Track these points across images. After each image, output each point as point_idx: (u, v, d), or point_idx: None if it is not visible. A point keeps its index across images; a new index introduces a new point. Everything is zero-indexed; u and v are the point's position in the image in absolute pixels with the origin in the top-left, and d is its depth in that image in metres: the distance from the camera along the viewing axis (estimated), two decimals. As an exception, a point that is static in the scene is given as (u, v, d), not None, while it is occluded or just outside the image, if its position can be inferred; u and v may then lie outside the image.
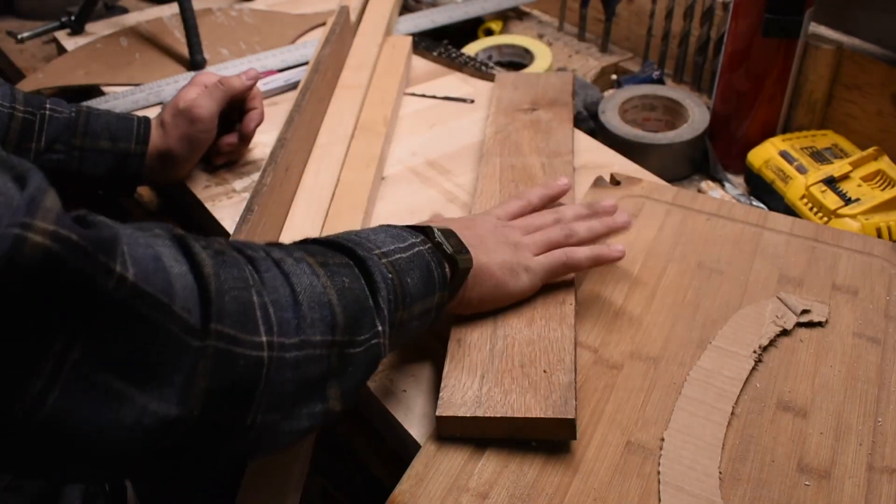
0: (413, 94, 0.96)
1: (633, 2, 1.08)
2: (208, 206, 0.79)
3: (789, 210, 0.79)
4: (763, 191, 0.83)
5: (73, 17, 1.12)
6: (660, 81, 1.00)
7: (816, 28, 0.90)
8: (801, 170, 0.80)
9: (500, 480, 0.51)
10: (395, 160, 0.85)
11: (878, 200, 0.74)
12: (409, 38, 1.02)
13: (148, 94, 0.95)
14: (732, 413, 0.54)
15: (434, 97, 0.96)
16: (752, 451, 0.52)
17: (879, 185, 0.76)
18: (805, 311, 0.62)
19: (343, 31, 0.94)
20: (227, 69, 1.00)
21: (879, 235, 0.72)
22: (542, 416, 0.52)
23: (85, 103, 0.78)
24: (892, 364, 0.58)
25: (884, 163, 0.79)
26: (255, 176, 0.83)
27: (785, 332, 0.61)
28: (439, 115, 0.92)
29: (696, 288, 0.64)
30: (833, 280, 0.65)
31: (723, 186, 0.86)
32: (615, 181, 0.74)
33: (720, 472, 0.51)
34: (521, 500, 0.50)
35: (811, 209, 0.76)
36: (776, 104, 0.87)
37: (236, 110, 0.83)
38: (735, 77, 0.86)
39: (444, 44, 1.06)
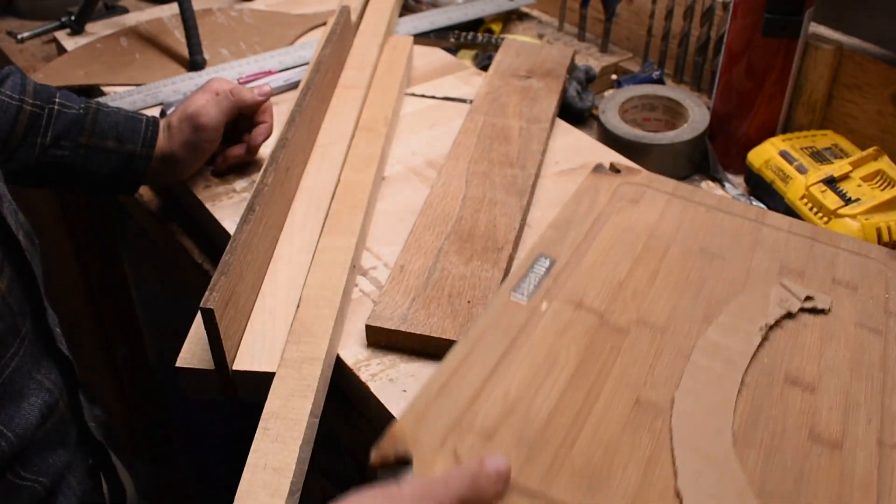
0: (413, 95, 0.96)
1: (633, 2, 1.08)
2: (208, 206, 0.79)
3: (789, 210, 0.79)
4: (763, 191, 0.83)
5: (73, 17, 1.12)
6: (660, 81, 1.00)
7: (816, 28, 0.90)
8: (801, 170, 0.80)
9: (507, 423, 0.49)
10: (395, 160, 0.85)
11: (878, 200, 0.74)
12: (410, 39, 1.02)
13: (147, 94, 0.95)
14: (742, 382, 0.54)
15: (434, 97, 0.96)
16: (763, 419, 0.52)
17: (879, 185, 0.76)
18: (809, 298, 0.62)
19: (344, 32, 0.94)
20: (227, 69, 1.00)
21: (879, 235, 0.72)
22: (454, 339, 0.59)
23: (95, 100, 0.77)
24: (895, 353, 0.59)
25: (884, 163, 0.79)
26: (256, 176, 0.83)
27: (790, 316, 0.61)
28: (439, 115, 0.93)
29: (699, 269, 0.64)
30: (833, 275, 0.65)
31: (723, 186, 0.86)
32: (615, 169, 0.74)
33: (733, 434, 0.50)
34: (527, 445, 0.48)
35: (811, 209, 0.76)
36: (776, 104, 0.87)
37: (245, 120, 0.82)
38: (735, 77, 0.87)
39: (454, 32, 1.10)
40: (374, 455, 0.47)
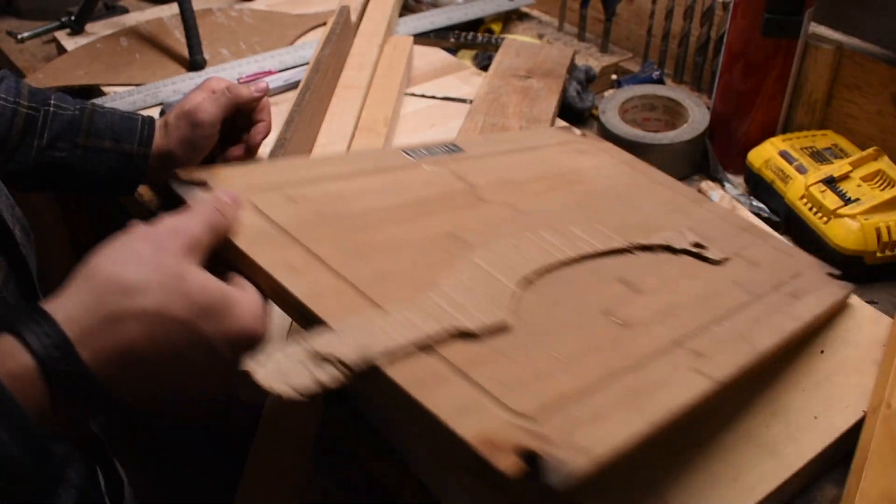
0: (413, 95, 0.96)
1: (633, 2, 1.08)
2: (208, 206, 0.78)
3: (789, 210, 0.79)
4: (763, 191, 0.83)
5: (73, 17, 1.12)
6: (660, 81, 1.00)
7: (816, 28, 0.90)
8: (801, 170, 0.80)
9: (316, 198, 0.50)
10: (395, 160, 0.85)
11: (877, 200, 0.74)
12: (410, 39, 1.02)
13: (147, 94, 0.95)
14: (571, 263, 0.52)
15: (434, 97, 0.96)
16: (568, 286, 0.50)
17: (879, 185, 0.76)
18: (700, 246, 0.59)
19: (343, 32, 0.94)
20: (227, 69, 1.00)
21: (879, 235, 0.72)
22: None
23: (90, 101, 0.77)
24: (756, 313, 0.55)
25: (884, 163, 0.79)
26: (255, 176, 0.83)
27: (671, 250, 0.58)
28: (439, 115, 0.93)
29: (602, 205, 0.61)
30: (741, 252, 0.63)
31: (723, 186, 0.86)
32: (582, 134, 0.73)
33: (526, 278, 0.49)
34: (321, 217, 0.49)
35: (811, 209, 0.76)
36: (776, 104, 0.87)
37: (244, 119, 0.81)
38: (735, 77, 0.87)
39: (454, 32, 1.10)
40: (181, 172, 0.50)
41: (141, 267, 0.42)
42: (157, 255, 0.43)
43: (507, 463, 0.34)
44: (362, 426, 0.64)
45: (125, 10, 1.21)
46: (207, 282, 0.44)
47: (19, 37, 1.15)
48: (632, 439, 0.39)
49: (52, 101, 0.73)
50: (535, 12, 1.23)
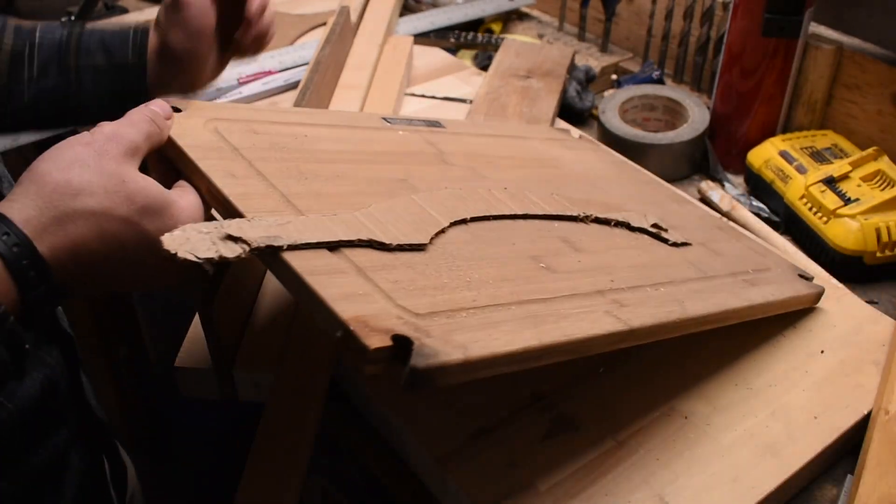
0: (413, 95, 0.96)
1: (633, 2, 1.08)
2: (208, 206, 0.78)
3: (789, 210, 0.79)
4: (763, 191, 0.83)
5: (73, 17, 1.12)
6: (660, 81, 1.00)
7: (816, 28, 0.90)
8: (801, 170, 0.80)
9: (287, 139, 0.53)
10: (395, 160, 0.85)
11: (877, 200, 0.74)
12: (410, 39, 1.02)
13: (148, 94, 0.95)
14: (516, 217, 0.53)
15: (434, 97, 0.96)
16: (501, 231, 0.51)
17: (879, 185, 0.76)
18: (658, 227, 0.60)
19: (343, 32, 0.94)
20: (226, 69, 1.00)
21: (879, 235, 0.72)
22: None
23: (80, 21, 0.74)
24: (702, 288, 0.55)
25: (883, 163, 0.79)
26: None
27: (628, 227, 0.59)
28: (439, 115, 0.92)
29: (571, 186, 0.61)
30: (707, 243, 0.63)
31: (723, 186, 0.86)
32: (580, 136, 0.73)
33: (464, 218, 0.50)
34: (279, 147, 0.52)
35: (810, 209, 0.76)
36: (776, 104, 0.87)
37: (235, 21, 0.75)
38: (735, 77, 0.87)
39: (454, 32, 1.10)
40: (160, 99, 0.54)
41: (85, 171, 0.46)
42: (99, 159, 0.47)
43: (372, 340, 0.36)
44: (362, 426, 0.64)
45: (125, 10, 1.21)
46: (147, 184, 0.48)
47: (19, 37, 1.15)
48: (515, 350, 0.39)
49: (38, 32, 0.70)
50: (535, 12, 1.23)
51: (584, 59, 1.07)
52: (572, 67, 0.98)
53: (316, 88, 0.82)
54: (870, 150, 0.79)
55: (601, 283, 0.50)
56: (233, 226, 0.42)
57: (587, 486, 0.51)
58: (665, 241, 0.60)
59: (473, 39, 1.09)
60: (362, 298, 0.40)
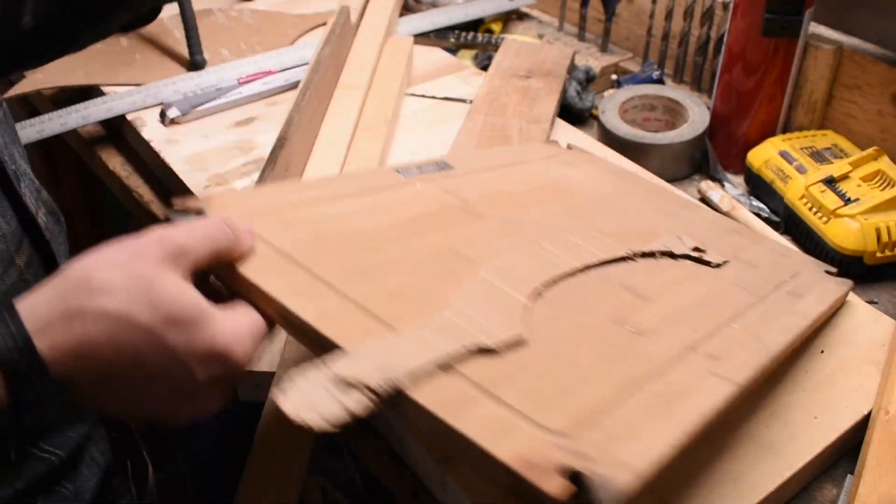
0: (413, 95, 0.96)
1: (633, 2, 1.08)
2: (208, 206, 0.78)
3: (789, 210, 0.79)
4: (763, 191, 0.83)
5: (73, 18, 1.12)
6: (660, 81, 1.00)
7: (816, 28, 0.90)
8: (801, 170, 0.80)
9: (312, 219, 0.50)
10: (395, 160, 0.85)
11: (877, 200, 0.74)
12: (410, 39, 1.02)
13: (147, 94, 0.95)
14: (575, 273, 0.52)
15: (434, 97, 0.96)
16: (575, 295, 0.50)
17: (879, 186, 0.76)
18: (699, 250, 0.59)
19: (343, 32, 0.94)
20: (227, 69, 1.00)
21: (879, 235, 0.72)
22: None
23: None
24: (763, 310, 0.55)
25: (883, 163, 0.79)
26: (255, 176, 0.83)
27: (671, 255, 0.58)
28: (439, 115, 0.93)
29: (594, 213, 0.61)
30: (737, 254, 0.63)
31: (723, 186, 0.86)
32: (569, 147, 0.73)
33: (535, 289, 0.48)
34: (319, 239, 0.48)
35: (810, 209, 0.76)
36: (776, 104, 0.87)
37: None
38: (735, 77, 0.87)
39: (454, 32, 1.10)
40: (176, 201, 0.48)
41: (112, 269, 0.42)
42: (131, 259, 0.42)
43: (552, 484, 0.34)
44: (362, 426, 0.64)
45: (125, 10, 1.21)
46: (182, 291, 0.42)
47: (19, 37, 1.15)
48: (669, 450, 0.38)
49: None
50: (535, 12, 1.23)
51: (584, 59, 1.07)
52: (572, 67, 0.98)
53: (316, 88, 0.82)
54: (870, 150, 0.79)
55: (686, 336, 0.49)
56: (342, 366, 0.38)
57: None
58: (708, 263, 0.59)
59: (473, 39, 1.09)
60: (509, 429, 0.37)
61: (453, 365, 0.40)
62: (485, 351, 0.42)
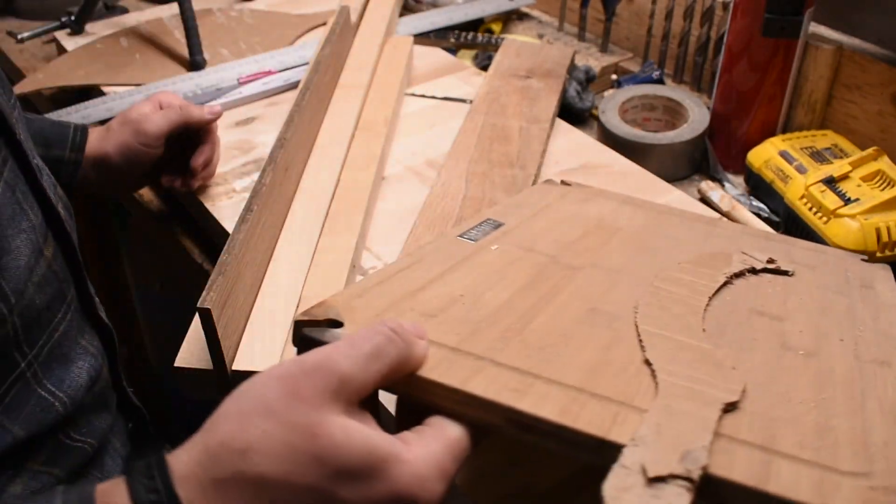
0: (413, 95, 0.96)
1: (633, 2, 1.08)
2: (208, 205, 0.79)
3: (789, 210, 0.79)
4: (763, 191, 0.83)
5: (73, 17, 1.12)
6: (660, 81, 1.00)
7: (816, 28, 0.90)
8: (801, 170, 0.80)
9: (452, 308, 0.47)
10: (395, 160, 0.85)
11: (877, 200, 0.74)
12: (410, 39, 1.02)
13: (146, 95, 0.95)
14: (706, 307, 0.52)
15: (434, 97, 0.96)
16: (730, 332, 0.49)
17: (879, 186, 0.76)
18: (772, 261, 0.61)
19: (343, 32, 0.94)
20: (227, 69, 1.00)
21: (879, 235, 0.72)
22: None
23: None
24: (861, 309, 0.56)
25: (884, 163, 0.79)
26: (255, 176, 0.83)
27: (753, 271, 0.59)
28: (439, 115, 0.93)
29: (652, 242, 0.62)
30: (791, 258, 0.64)
31: (723, 186, 0.86)
32: (566, 184, 0.74)
33: (702, 331, 0.48)
34: (473, 324, 0.45)
35: (811, 209, 0.76)
36: (776, 104, 0.87)
37: (192, 143, 0.79)
38: (735, 77, 0.87)
39: (454, 32, 1.10)
40: (301, 314, 0.43)
41: (265, 419, 0.36)
42: (289, 405, 0.36)
43: None
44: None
45: (125, 10, 1.21)
46: (349, 438, 0.36)
47: (19, 37, 1.15)
48: None
49: None
50: (535, 12, 1.23)
51: (584, 59, 1.07)
52: (572, 67, 0.98)
53: (316, 88, 0.82)
54: (870, 150, 0.79)
55: (845, 348, 0.49)
56: (640, 462, 0.35)
57: (588, 484, 0.50)
58: (785, 272, 0.60)
59: (473, 39, 1.09)
60: (824, 483, 0.36)
61: (719, 430, 0.39)
62: (730, 406, 0.41)
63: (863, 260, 0.67)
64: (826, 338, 0.51)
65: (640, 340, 0.46)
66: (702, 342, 0.46)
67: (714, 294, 0.54)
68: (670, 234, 0.65)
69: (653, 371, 0.43)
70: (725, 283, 0.56)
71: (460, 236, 0.58)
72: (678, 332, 0.47)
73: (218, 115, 0.78)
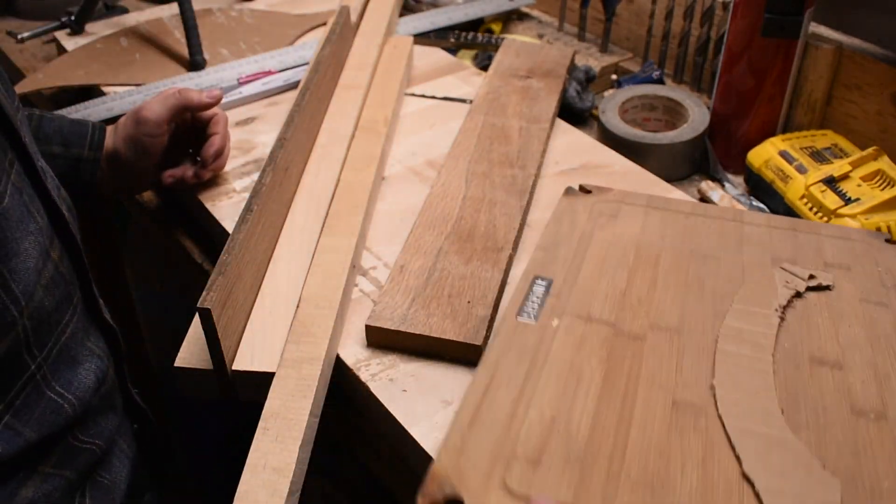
0: (413, 95, 0.96)
1: (633, 2, 1.08)
2: (208, 205, 0.79)
3: (789, 210, 0.79)
4: (763, 191, 0.83)
5: (73, 17, 1.12)
6: (660, 81, 1.00)
7: (816, 28, 0.90)
8: (801, 170, 0.80)
9: (550, 444, 0.48)
10: (395, 160, 0.85)
11: (877, 200, 0.74)
12: (410, 39, 1.02)
13: (147, 94, 0.95)
14: (774, 363, 0.55)
15: (434, 97, 0.96)
16: (801, 401, 0.52)
17: (879, 185, 0.76)
18: (812, 277, 0.62)
19: (343, 32, 0.94)
20: (227, 69, 1.00)
21: (879, 235, 0.72)
22: (455, 339, 0.60)
23: (36, 110, 0.77)
24: None
25: (883, 163, 0.79)
26: (255, 176, 0.83)
27: (798, 295, 0.61)
28: (439, 115, 0.93)
29: (695, 270, 0.64)
30: (823, 259, 0.65)
31: (723, 186, 0.86)
32: (585, 190, 0.74)
33: (782, 412, 0.51)
34: (577, 464, 0.47)
35: (811, 209, 0.76)
36: (776, 104, 0.87)
37: (199, 135, 0.80)
38: (735, 77, 0.87)
39: (454, 32, 1.10)
40: (422, 500, 0.45)
41: None
42: None
43: None
44: (362, 426, 0.64)
45: (125, 10, 1.21)
46: None
47: (19, 37, 1.15)
48: None
49: None
50: (535, 12, 1.23)
51: (584, 59, 1.07)
52: (572, 67, 0.98)
53: (315, 88, 0.82)
54: (870, 150, 0.79)
55: None
56: None
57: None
58: (827, 287, 0.62)
59: (473, 39, 1.09)
60: None
61: None
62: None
63: (886, 241, 0.68)
64: (887, 383, 0.53)
65: (732, 447, 0.48)
66: (786, 432, 0.49)
67: (775, 345, 0.56)
68: (706, 251, 0.66)
69: (756, 492, 0.46)
70: (780, 322, 0.58)
71: (519, 316, 0.58)
72: (762, 423, 0.50)
73: (217, 99, 0.79)
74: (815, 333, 0.58)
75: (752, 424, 0.50)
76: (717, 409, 0.51)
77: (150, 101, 0.76)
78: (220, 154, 0.79)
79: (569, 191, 0.74)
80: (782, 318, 0.59)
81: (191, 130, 0.80)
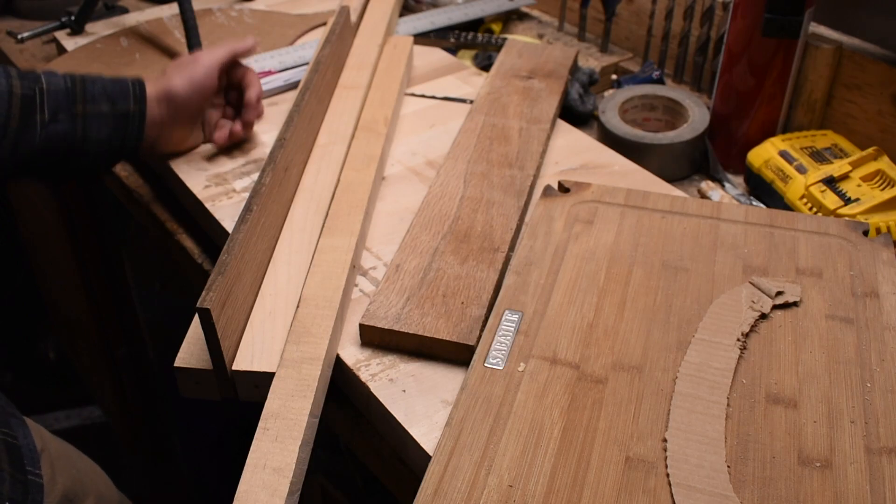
0: (413, 95, 0.96)
1: (633, 2, 1.08)
2: (208, 206, 0.79)
3: (789, 210, 0.79)
4: (763, 191, 0.83)
5: (73, 17, 1.12)
6: (660, 81, 1.00)
7: (816, 28, 0.90)
8: (801, 170, 0.80)
9: None
10: (395, 160, 0.85)
11: (877, 200, 0.74)
12: (410, 39, 1.02)
13: (148, 94, 0.95)
14: (728, 405, 0.55)
15: (434, 97, 0.96)
16: (752, 449, 0.52)
17: (879, 185, 0.76)
18: (779, 293, 0.62)
19: (343, 32, 0.94)
20: (227, 69, 1.00)
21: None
22: (448, 339, 0.60)
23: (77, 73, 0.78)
24: (868, 342, 0.59)
25: (883, 163, 0.79)
26: (255, 176, 0.83)
27: (763, 317, 0.61)
28: (439, 115, 0.93)
29: (664, 289, 0.64)
30: (796, 264, 0.65)
31: (723, 186, 0.86)
32: (564, 188, 0.74)
33: (728, 468, 0.51)
34: None
35: (811, 209, 0.76)
36: (776, 104, 0.87)
37: (234, 93, 0.86)
38: (735, 77, 0.87)
39: (454, 32, 1.10)
40: None
41: None
42: None
43: None
44: (362, 426, 0.64)
45: (125, 10, 1.21)
46: None
47: (19, 37, 1.15)
48: None
49: (44, 78, 0.74)
50: (535, 12, 1.23)
51: (584, 59, 1.07)
52: (575, 68, 0.98)
53: (316, 88, 0.82)
54: (870, 150, 0.79)
55: (855, 438, 0.53)
56: None
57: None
58: (794, 304, 0.62)
59: (473, 39, 1.09)
60: None
61: None
62: None
63: (864, 233, 0.68)
64: (838, 422, 0.54)
65: None
66: (728, 490, 0.49)
67: (732, 383, 0.56)
68: (678, 261, 0.66)
69: None
70: (741, 354, 0.58)
71: (488, 360, 0.59)
72: (706, 480, 0.50)
73: (253, 46, 0.86)
74: (776, 364, 0.58)
75: (697, 482, 0.50)
76: (666, 467, 0.51)
77: (201, 52, 0.82)
78: (261, 98, 0.86)
79: (547, 190, 0.74)
80: (743, 348, 0.58)
81: (226, 90, 0.86)
